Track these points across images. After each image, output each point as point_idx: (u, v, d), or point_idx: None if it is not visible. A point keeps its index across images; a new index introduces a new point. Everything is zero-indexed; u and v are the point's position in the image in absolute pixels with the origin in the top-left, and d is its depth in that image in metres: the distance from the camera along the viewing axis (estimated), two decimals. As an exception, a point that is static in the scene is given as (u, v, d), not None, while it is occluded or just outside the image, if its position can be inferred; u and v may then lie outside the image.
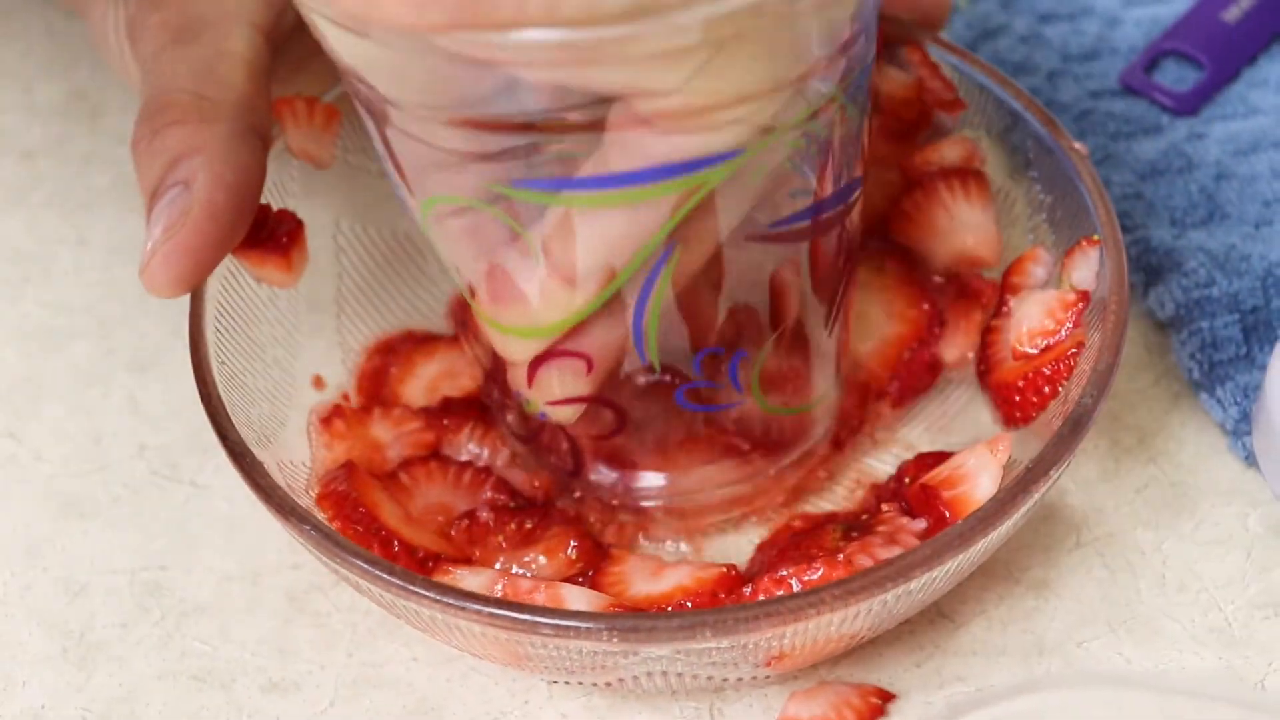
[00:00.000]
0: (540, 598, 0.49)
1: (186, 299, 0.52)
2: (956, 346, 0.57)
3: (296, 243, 0.53)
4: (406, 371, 0.58)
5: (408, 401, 0.57)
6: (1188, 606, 0.53)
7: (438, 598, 0.47)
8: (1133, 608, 0.53)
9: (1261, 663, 0.52)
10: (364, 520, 0.51)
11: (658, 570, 0.52)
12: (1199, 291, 0.58)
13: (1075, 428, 0.49)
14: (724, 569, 0.51)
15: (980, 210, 0.57)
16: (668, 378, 0.51)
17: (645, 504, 0.55)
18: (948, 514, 0.50)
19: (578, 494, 0.55)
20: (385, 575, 0.47)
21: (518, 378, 0.50)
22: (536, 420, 0.53)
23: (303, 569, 0.55)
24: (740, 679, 0.51)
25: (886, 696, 0.52)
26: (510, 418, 0.55)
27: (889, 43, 0.58)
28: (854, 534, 0.51)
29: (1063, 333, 0.52)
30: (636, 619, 0.47)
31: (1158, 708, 0.41)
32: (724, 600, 0.50)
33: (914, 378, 0.57)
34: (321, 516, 0.50)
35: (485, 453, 0.56)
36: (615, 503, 0.55)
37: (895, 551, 0.49)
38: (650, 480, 0.55)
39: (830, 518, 0.54)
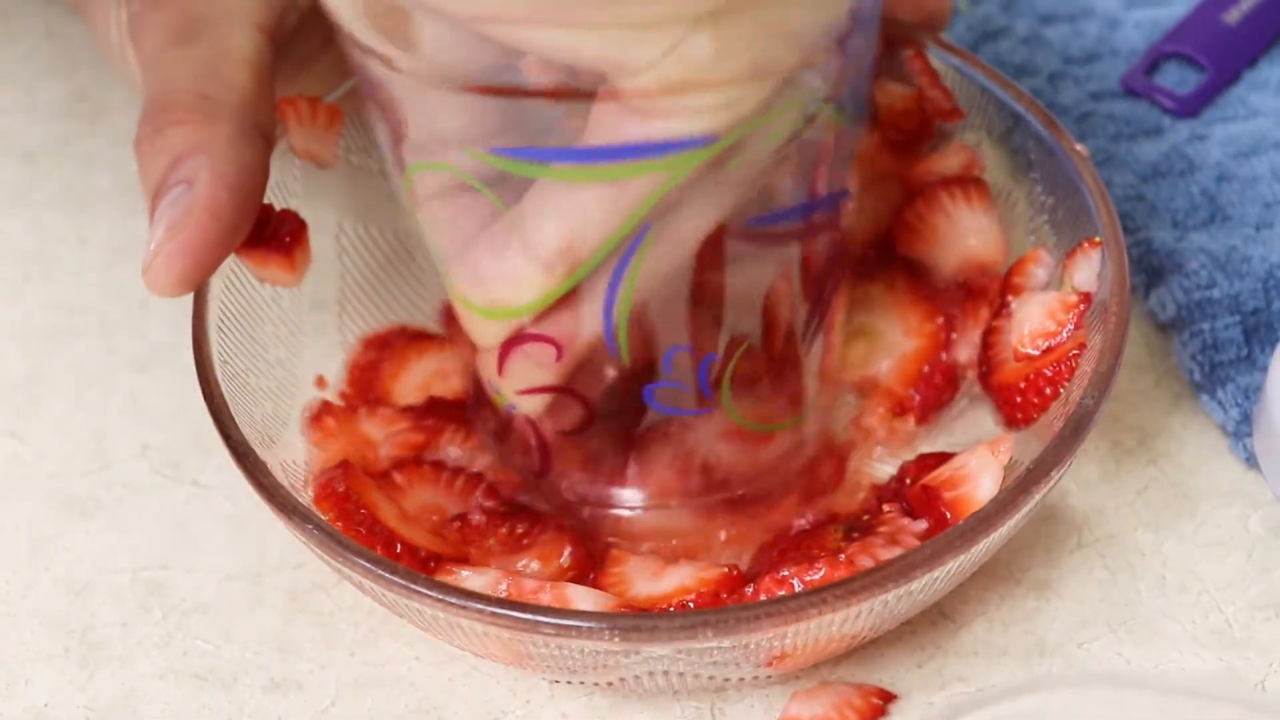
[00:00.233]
0: (546, 598, 0.49)
1: (188, 299, 0.52)
2: (970, 345, 0.57)
3: (299, 243, 0.53)
4: (399, 368, 0.58)
5: (398, 398, 0.57)
6: (1188, 608, 0.53)
7: (440, 597, 0.47)
8: (1133, 609, 0.54)
9: (1262, 664, 0.52)
10: (366, 521, 0.51)
11: (659, 570, 0.52)
12: (1200, 293, 0.58)
13: (1076, 429, 0.49)
14: (726, 569, 0.51)
15: (983, 215, 0.57)
16: (638, 374, 0.51)
17: (614, 512, 0.55)
18: (949, 515, 0.50)
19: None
20: (389, 575, 0.47)
21: (488, 365, 0.50)
22: (506, 416, 0.52)
23: (304, 568, 0.55)
24: (742, 679, 0.51)
25: (888, 697, 0.52)
26: (484, 415, 0.55)
27: (890, 45, 0.58)
28: (855, 534, 0.51)
29: (1064, 334, 0.52)
30: (638, 618, 0.47)
31: (1158, 708, 0.41)
32: (726, 600, 0.50)
33: (935, 391, 0.57)
34: (323, 517, 0.51)
35: (465, 456, 0.56)
36: (586, 513, 0.55)
37: (897, 552, 0.49)
38: (617, 491, 0.54)
39: (832, 518, 0.54)
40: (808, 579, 0.48)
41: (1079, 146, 0.55)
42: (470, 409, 0.56)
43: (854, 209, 0.51)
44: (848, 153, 0.49)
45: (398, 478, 0.54)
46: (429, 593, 0.47)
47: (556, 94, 0.44)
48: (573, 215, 0.45)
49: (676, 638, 0.46)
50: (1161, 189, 0.62)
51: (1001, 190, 0.58)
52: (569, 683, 0.52)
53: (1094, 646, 0.53)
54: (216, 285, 0.53)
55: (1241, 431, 0.56)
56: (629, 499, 0.54)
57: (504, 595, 0.49)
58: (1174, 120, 0.65)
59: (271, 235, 0.52)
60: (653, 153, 0.44)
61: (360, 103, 0.49)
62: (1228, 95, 0.66)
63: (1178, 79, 0.66)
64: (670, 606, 0.50)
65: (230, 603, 0.55)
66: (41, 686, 0.53)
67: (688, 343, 0.50)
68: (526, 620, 0.46)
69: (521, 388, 0.50)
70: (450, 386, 0.57)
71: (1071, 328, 0.52)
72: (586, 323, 0.48)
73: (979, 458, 0.50)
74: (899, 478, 0.54)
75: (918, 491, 0.51)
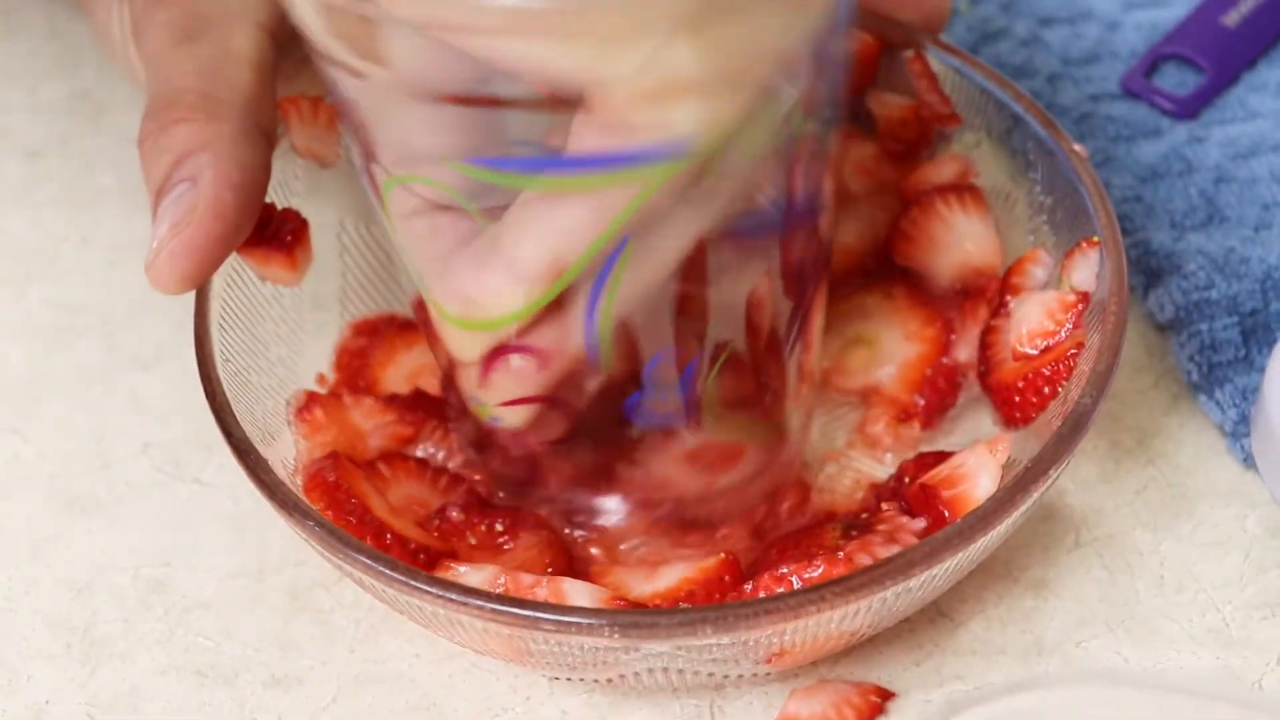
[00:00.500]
0: (542, 592, 0.49)
1: (189, 297, 0.52)
2: (970, 346, 0.57)
3: (301, 241, 0.53)
4: (388, 356, 0.58)
5: (386, 387, 0.57)
6: (1186, 607, 0.54)
7: (441, 594, 0.47)
8: (1131, 608, 0.54)
9: (1259, 662, 0.52)
10: (356, 511, 0.51)
11: (650, 573, 0.52)
12: (1198, 294, 0.58)
13: (1074, 428, 0.49)
14: (723, 556, 0.51)
15: (979, 222, 0.57)
16: (621, 385, 0.50)
17: (595, 521, 0.54)
18: (947, 513, 0.50)
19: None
20: (389, 572, 0.47)
21: (469, 379, 0.50)
22: (487, 428, 0.52)
23: (305, 565, 0.55)
24: (741, 676, 0.51)
25: (886, 695, 0.52)
26: (464, 426, 0.54)
27: (890, 46, 0.58)
28: (854, 532, 0.51)
29: (1062, 334, 0.52)
30: (637, 615, 0.47)
31: (1155, 706, 0.41)
32: (725, 597, 0.50)
33: (939, 395, 0.57)
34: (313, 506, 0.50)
35: (442, 454, 0.56)
36: (566, 528, 0.54)
37: (895, 550, 0.49)
38: (599, 501, 0.54)
39: (830, 516, 0.55)
40: (807, 576, 0.48)
41: (1078, 147, 0.55)
42: (451, 419, 0.56)
43: (833, 215, 0.51)
44: (824, 158, 0.49)
45: (383, 469, 0.54)
46: (430, 589, 0.47)
47: (531, 104, 0.44)
48: (551, 227, 0.45)
49: (676, 634, 0.46)
50: (1160, 190, 0.62)
51: (1001, 191, 0.58)
52: (569, 680, 0.52)
53: (1092, 645, 0.53)
54: (218, 283, 0.53)
55: (1239, 432, 0.56)
56: (610, 511, 0.54)
57: (503, 590, 0.49)
58: (1173, 122, 0.65)
59: (273, 234, 0.53)
60: (630, 163, 0.44)
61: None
62: (1226, 97, 0.66)
63: (1177, 81, 0.66)
64: (674, 601, 0.50)
65: (231, 600, 0.55)
66: (43, 683, 0.54)
67: (670, 350, 0.50)
68: (527, 617, 0.46)
69: (504, 399, 0.50)
70: (436, 382, 0.57)
71: (1070, 327, 0.52)
72: (569, 333, 0.48)
73: (977, 456, 0.50)
74: (897, 476, 0.54)
75: (916, 490, 0.51)
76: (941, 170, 0.58)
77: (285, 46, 0.53)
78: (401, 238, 0.48)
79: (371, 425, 0.55)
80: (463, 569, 0.50)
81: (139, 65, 0.53)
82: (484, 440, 0.54)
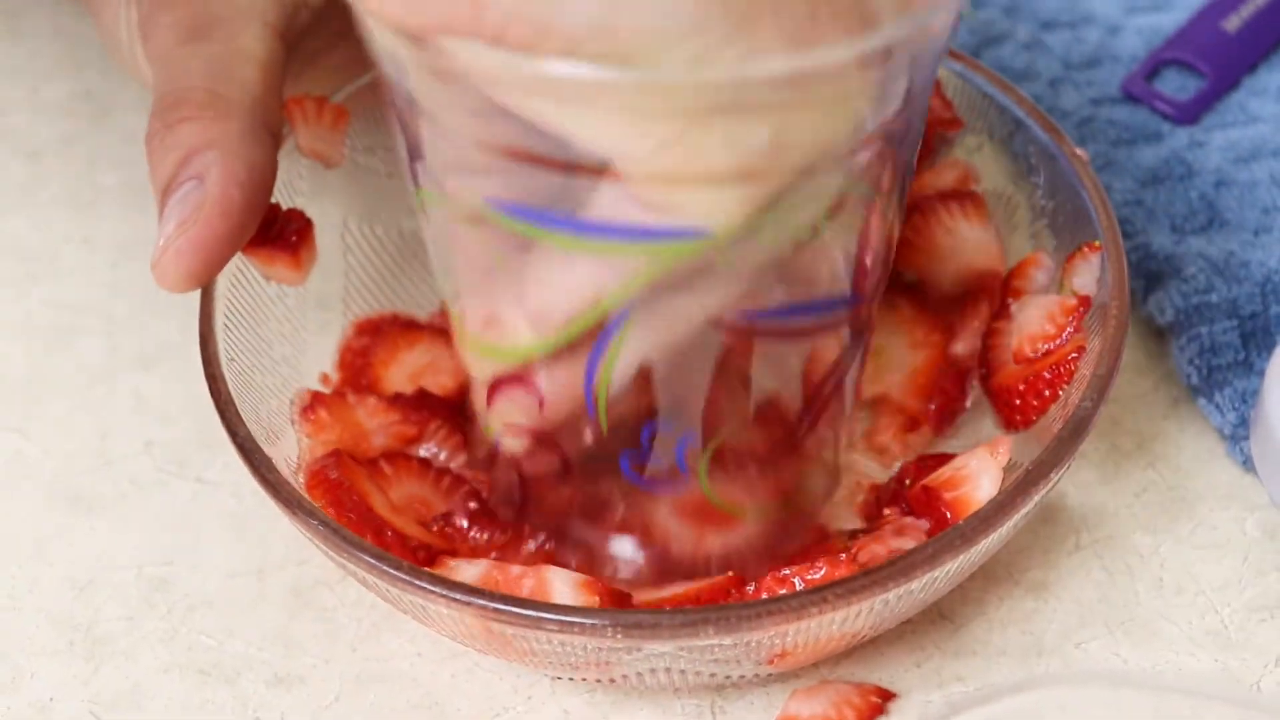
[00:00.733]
0: (529, 582, 0.49)
1: (191, 298, 0.52)
2: (972, 348, 0.57)
3: (305, 241, 0.53)
4: (391, 355, 0.58)
5: (388, 386, 0.57)
6: (1185, 609, 0.54)
7: (444, 593, 0.47)
8: (1131, 610, 0.54)
9: (1257, 664, 0.53)
10: (358, 508, 0.51)
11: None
12: (1198, 297, 0.58)
13: (1075, 431, 0.49)
14: (726, 576, 0.51)
15: (980, 228, 0.57)
16: (618, 440, 0.50)
17: (588, 556, 0.54)
18: (949, 515, 0.50)
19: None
20: (392, 570, 0.47)
21: (479, 396, 0.50)
22: (492, 444, 0.52)
23: (308, 564, 0.56)
24: (742, 676, 0.51)
25: (887, 695, 0.52)
26: (478, 433, 0.54)
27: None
28: (856, 534, 0.52)
29: (1063, 337, 0.52)
30: (640, 615, 0.47)
31: (1154, 708, 0.41)
32: (727, 598, 0.51)
33: (949, 399, 0.56)
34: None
35: (444, 454, 0.56)
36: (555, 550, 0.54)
37: (897, 551, 0.49)
38: (590, 537, 0.54)
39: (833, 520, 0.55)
40: (809, 578, 0.48)
41: (1079, 151, 0.55)
42: (467, 429, 0.56)
43: (872, 312, 0.50)
44: (868, 253, 0.48)
45: (385, 467, 0.54)
46: (432, 588, 0.47)
47: (556, 164, 0.44)
48: (560, 280, 0.45)
49: (678, 635, 0.46)
50: (1161, 194, 0.62)
51: (1002, 194, 0.58)
52: (570, 679, 0.52)
53: (1091, 647, 0.53)
54: (223, 283, 0.53)
55: (1239, 435, 0.56)
56: (601, 547, 0.54)
57: (491, 581, 0.49)
58: (1174, 126, 0.65)
59: (278, 234, 0.53)
60: (641, 237, 0.44)
61: (378, 106, 0.48)
62: (1227, 101, 0.66)
63: (1178, 85, 0.66)
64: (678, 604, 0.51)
65: (234, 598, 0.55)
66: (46, 681, 0.54)
67: (667, 421, 0.50)
68: (529, 616, 0.47)
69: (505, 423, 0.50)
70: (440, 382, 0.57)
71: (1071, 331, 0.52)
72: (570, 385, 0.48)
73: (978, 459, 0.50)
74: (899, 479, 0.54)
75: (918, 492, 0.51)
76: (943, 176, 0.58)
77: (293, 46, 0.53)
78: (437, 240, 0.48)
79: (376, 424, 0.55)
80: (456, 564, 0.50)
81: (146, 65, 0.53)
82: (491, 458, 0.54)
